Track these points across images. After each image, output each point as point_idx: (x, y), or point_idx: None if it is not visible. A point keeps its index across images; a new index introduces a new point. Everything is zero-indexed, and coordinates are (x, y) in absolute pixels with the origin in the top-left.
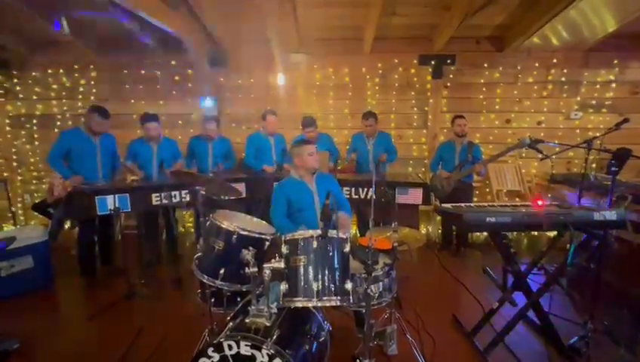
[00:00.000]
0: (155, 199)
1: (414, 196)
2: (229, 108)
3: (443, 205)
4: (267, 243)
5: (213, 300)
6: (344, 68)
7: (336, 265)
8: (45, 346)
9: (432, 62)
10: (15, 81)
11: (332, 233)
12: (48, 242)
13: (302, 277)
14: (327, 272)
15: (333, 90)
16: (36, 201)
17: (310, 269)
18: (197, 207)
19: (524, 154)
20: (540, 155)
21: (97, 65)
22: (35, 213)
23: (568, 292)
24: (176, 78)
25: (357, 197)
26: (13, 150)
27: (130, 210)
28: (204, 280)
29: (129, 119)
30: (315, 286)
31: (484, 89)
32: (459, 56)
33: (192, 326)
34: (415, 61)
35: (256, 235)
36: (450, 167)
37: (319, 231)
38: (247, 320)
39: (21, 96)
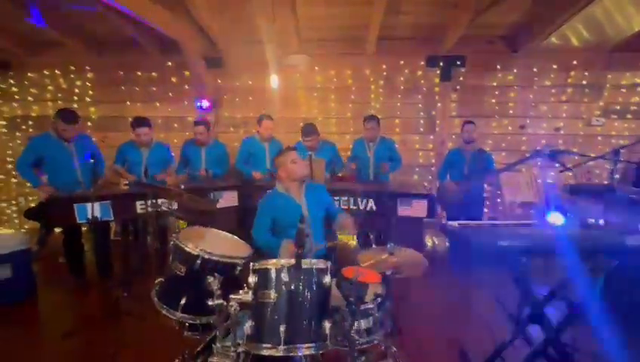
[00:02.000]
0: (140, 207)
1: (418, 208)
2: (227, 111)
3: (449, 223)
4: (239, 268)
5: (187, 325)
6: (346, 70)
7: (311, 303)
8: None
9: (441, 64)
10: (11, 82)
11: (308, 263)
12: (29, 250)
13: (269, 317)
14: (300, 312)
15: (334, 93)
16: (31, 206)
17: (280, 307)
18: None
19: (539, 163)
20: (560, 167)
21: (93, 66)
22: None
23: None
24: (173, 79)
25: (355, 208)
26: (9, 152)
27: (112, 218)
28: (162, 311)
29: (125, 121)
30: (283, 329)
31: (496, 92)
32: (469, 58)
33: (168, 351)
34: (422, 62)
35: (224, 259)
36: (459, 176)
37: (291, 261)
38: (213, 360)
39: (17, 97)
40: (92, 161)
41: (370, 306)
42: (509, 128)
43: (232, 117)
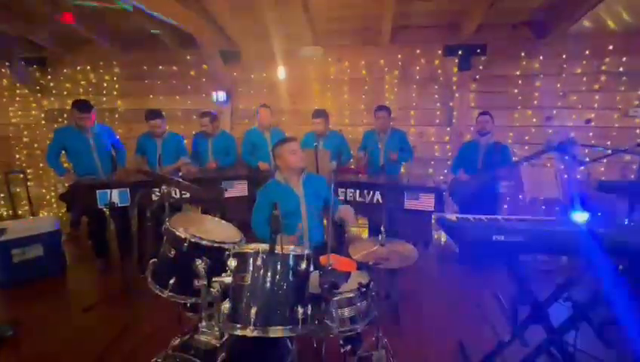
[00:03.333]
0: (155, 195)
1: (425, 202)
2: (242, 103)
3: (445, 215)
4: (227, 253)
5: (188, 305)
6: (360, 60)
7: (285, 287)
8: (38, 334)
9: (459, 53)
10: (49, 77)
11: (284, 249)
12: (59, 232)
13: (243, 299)
14: (273, 296)
15: (348, 85)
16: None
17: (253, 290)
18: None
19: (566, 156)
20: (573, 160)
21: (120, 62)
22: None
23: (601, 335)
24: (192, 73)
25: (362, 200)
26: (47, 142)
27: (129, 204)
28: (155, 290)
29: None
30: (254, 311)
31: (519, 82)
32: (490, 45)
33: (173, 328)
34: (439, 51)
35: (210, 244)
36: (473, 169)
37: (266, 246)
38: (195, 337)
39: (54, 91)
40: (112, 151)
41: (352, 295)
42: (534, 120)
43: (246, 109)
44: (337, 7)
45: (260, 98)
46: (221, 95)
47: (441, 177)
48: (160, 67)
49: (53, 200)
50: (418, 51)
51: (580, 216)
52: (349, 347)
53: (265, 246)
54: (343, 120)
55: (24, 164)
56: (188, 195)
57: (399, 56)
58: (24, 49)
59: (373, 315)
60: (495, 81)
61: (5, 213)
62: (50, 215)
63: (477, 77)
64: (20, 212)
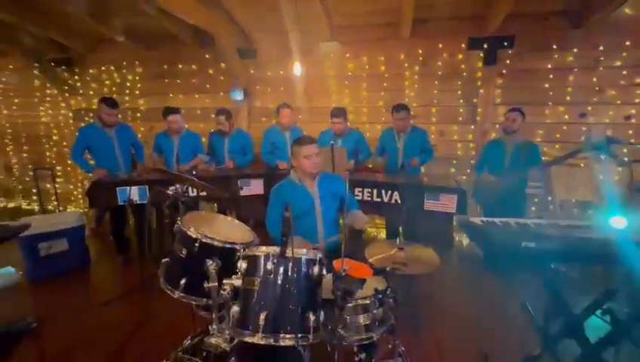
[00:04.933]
0: (172, 192)
1: (446, 203)
2: (259, 101)
3: (470, 219)
4: (238, 254)
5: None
6: (379, 56)
7: (296, 292)
8: (59, 327)
9: (485, 46)
10: (76, 77)
11: (296, 252)
12: (83, 227)
13: (252, 304)
14: (283, 301)
15: (366, 81)
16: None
17: (263, 295)
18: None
19: (605, 156)
20: (613, 159)
21: (142, 61)
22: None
23: None
24: (210, 71)
25: (379, 200)
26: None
27: (147, 201)
28: (166, 290)
29: None
30: (263, 316)
31: (551, 76)
32: (519, 37)
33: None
34: (463, 45)
35: (222, 244)
36: (498, 169)
37: (276, 249)
38: (205, 340)
39: (81, 91)
40: (132, 149)
41: (367, 302)
42: (566, 117)
43: (264, 107)
44: (355, 1)
45: (277, 95)
46: (238, 93)
47: (464, 177)
48: (180, 66)
49: (80, 196)
50: (440, 45)
51: (619, 221)
52: (363, 355)
53: (276, 249)
54: (361, 117)
55: (53, 161)
56: (204, 193)
57: (420, 50)
58: (52, 50)
59: (389, 323)
60: (524, 76)
61: (37, 208)
62: (76, 210)
63: (503, 71)
64: (50, 207)
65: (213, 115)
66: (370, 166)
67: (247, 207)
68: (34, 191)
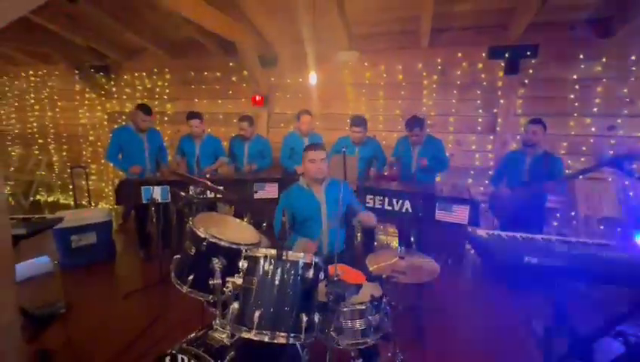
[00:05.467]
0: (192, 192)
1: (459, 214)
2: (278, 107)
3: (475, 230)
4: (243, 254)
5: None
6: (397, 64)
7: (290, 293)
8: (85, 315)
9: (506, 55)
10: (112, 83)
11: (291, 255)
12: (111, 222)
13: (250, 302)
14: (278, 300)
15: (384, 90)
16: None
17: (259, 294)
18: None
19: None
20: (628, 176)
21: (170, 68)
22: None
23: None
24: (233, 78)
25: (390, 208)
26: (109, 141)
27: (169, 200)
28: (176, 285)
29: None
30: (257, 314)
31: (576, 86)
32: (543, 47)
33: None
34: (484, 54)
35: (228, 245)
36: (517, 181)
37: (273, 252)
38: (208, 334)
39: (115, 95)
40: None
41: (363, 307)
42: (592, 129)
43: (282, 113)
44: (374, 10)
45: (296, 102)
46: (260, 99)
47: (482, 188)
48: (205, 73)
49: (110, 193)
50: (459, 54)
51: None
52: (360, 361)
53: (272, 252)
54: (377, 125)
55: (89, 160)
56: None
57: (439, 59)
58: (92, 58)
59: (386, 329)
60: (547, 86)
61: (71, 203)
62: (106, 207)
63: (525, 81)
64: (83, 202)
65: (235, 120)
66: (386, 174)
67: (262, 209)
68: (70, 187)
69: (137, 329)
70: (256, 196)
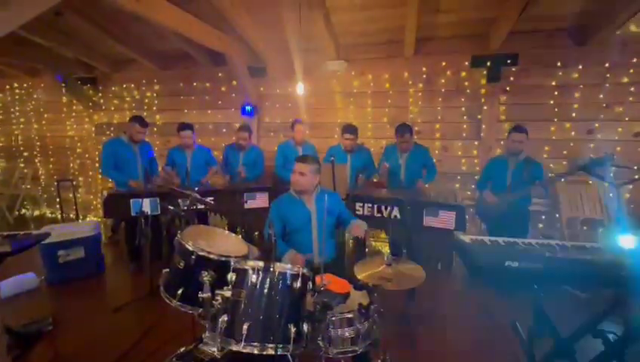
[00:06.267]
0: (182, 204)
1: (445, 220)
2: (267, 117)
3: (460, 236)
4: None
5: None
6: (384, 73)
7: (279, 305)
8: (72, 331)
9: (488, 64)
10: (100, 95)
11: (279, 266)
12: (99, 235)
13: (238, 314)
14: (266, 312)
15: (371, 98)
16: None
17: (247, 306)
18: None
19: (612, 174)
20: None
21: (159, 79)
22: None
23: None
24: (223, 89)
25: (379, 215)
26: (97, 153)
27: (159, 212)
28: (165, 299)
29: None
30: (246, 326)
31: (555, 93)
32: (523, 55)
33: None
34: (467, 63)
35: (217, 258)
36: (500, 186)
37: (260, 264)
38: (198, 348)
39: (104, 107)
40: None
41: (351, 316)
42: (572, 133)
43: (271, 122)
44: (361, 21)
45: (285, 112)
46: (250, 108)
47: (469, 193)
48: (194, 84)
49: (99, 206)
50: (444, 63)
51: (627, 240)
52: None
53: (259, 264)
54: (366, 133)
55: (77, 172)
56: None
57: (424, 68)
58: (79, 70)
59: (374, 337)
60: (528, 93)
61: (59, 216)
62: (94, 219)
63: (507, 88)
64: (71, 215)
65: (224, 130)
66: (375, 180)
67: (253, 219)
68: (57, 200)
69: (127, 343)
70: (246, 206)
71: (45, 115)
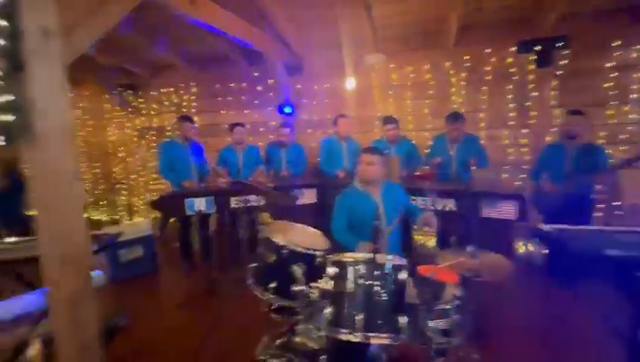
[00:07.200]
0: (235, 202)
1: (506, 210)
2: (305, 114)
3: (544, 226)
4: (318, 259)
5: (273, 308)
6: (424, 64)
7: (387, 296)
8: (145, 325)
9: (537, 48)
10: (140, 100)
11: (384, 258)
12: (153, 235)
13: (347, 306)
14: (375, 304)
15: (411, 90)
16: (154, 199)
17: (356, 298)
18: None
19: None
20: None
21: (197, 81)
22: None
23: None
24: (259, 88)
25: (433, 208)
26: (137, 156)
27: (214, 211)
28: (257, 293)
29: (220, 128)
30: (359, 318)
31: (613, 74)
32: (575, 37)
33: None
34: (512, 49)
35: (307, 251)
36: (559, 175)
37: (368, 255)
38: (296, 339)
39: (144, 112)
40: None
41: (447, 307)
42: (630, 116)
43: (309, 119)
44: (400, 12)
45: (322, 108)
46: (288, 108)
47: (516, 183)
48: (231, 84)
49: (142, 207)
50: (488, 50)
51: None
52: (442, 359)
53: (363, 256)
54: (407, 125)
55: (119, 176)
56: (263, 203)
57: (467, 57)
58: (121, 77)
59: (467, 329)
60: (582, 76)
61: (103, 219)
62: (146, 220)
63: (558, 73)
64: (116, 217)
65: (261, 129)
66: (419, 173)
67: (301, 214)
68: (101, 203)
69: (196, 341)
70: (298, 202)
71: (90, 122)
